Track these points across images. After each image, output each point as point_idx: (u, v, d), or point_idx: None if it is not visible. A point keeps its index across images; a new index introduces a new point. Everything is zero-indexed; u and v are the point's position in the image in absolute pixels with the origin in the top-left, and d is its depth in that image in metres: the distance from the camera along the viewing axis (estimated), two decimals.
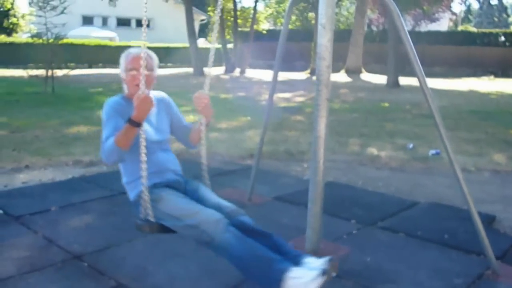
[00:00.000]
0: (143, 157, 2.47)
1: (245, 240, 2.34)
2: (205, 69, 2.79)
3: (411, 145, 7.15)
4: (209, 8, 33.21)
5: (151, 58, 2.76)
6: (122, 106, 2.64)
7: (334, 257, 2.32)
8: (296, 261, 2.32)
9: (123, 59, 2.75)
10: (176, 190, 2.67)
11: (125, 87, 2.78)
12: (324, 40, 3.16)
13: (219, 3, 2.85)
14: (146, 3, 2.47)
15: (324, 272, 2.19)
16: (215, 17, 2.74)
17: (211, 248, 2.39)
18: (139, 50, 2.59)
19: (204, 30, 41.37)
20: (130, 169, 2.67)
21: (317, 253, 3.37)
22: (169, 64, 28.74)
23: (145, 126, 2.59)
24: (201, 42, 30.12)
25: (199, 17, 34.64)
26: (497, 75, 26.35)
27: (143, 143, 2.47)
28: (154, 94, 2.86)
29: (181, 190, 2.74)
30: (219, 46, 26.88)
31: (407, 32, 3.09)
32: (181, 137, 2.98)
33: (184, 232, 2.46)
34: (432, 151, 6.69)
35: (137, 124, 2.41)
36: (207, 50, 29.27)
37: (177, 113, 2.95)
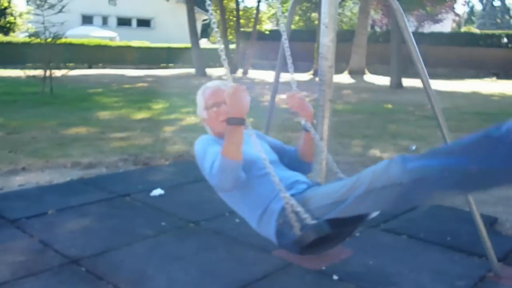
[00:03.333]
0: (270, 169, 2.03)
1: (427, 155, 1.76)
2: (289, 72, 2.61)
3: (414, 147, 7.10)
4: (212, 8, 33.22)
5: (225, 86, 2.40)
6: (215, 141, 2.28)
7: None
8: None
9: (200, 96, 2.47)
10: None
11: (209, 129, 2.48)
12: (326, 40, 3.10)
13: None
14: None
15: None
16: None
17: (409, 198, 1.80)
18: (217, 82, 2.44)
19: (206, 30, 41.37)
20: (254, 201, 2.20)
21: (318, 257, 3.33)
22: (170, 65, 28.72)
23: (249, 148, 2.22)
24: (203, 42, 30.08)
25: (201, 17, 34.61)
26: (499, 76, 26.36)
27: (261, 154, 2.06)
28: None
29: None
30: (222, 46, 26.84)
31: (411, 32, 3.04)
32: (292, 160, 2.55)
33: (359, 208, 1.88)
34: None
35: (239, 121, 2.00)
36: (209, 50, 29.40)
37: (273, 140, 2.64)
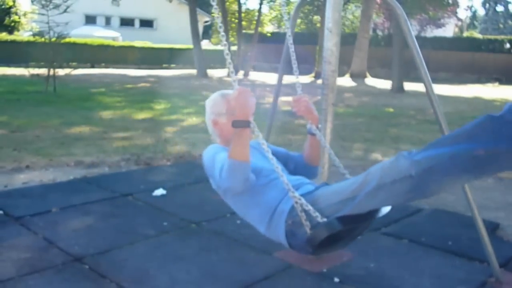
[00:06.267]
0: (278, 169, 2.03)
1: (434, 145, 1.77)
2: (294, 75, 2.63)
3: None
4: (214, 10, 33.25)
5: None
6: (223, 149, 2.26)
7: None
8: None
9: (221, 100, 2.42)
10: None
11: (216, 135, 2.46)
12: (330, 44, 3.13)
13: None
14: None
15: None
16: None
17: (420, 190, 1.78)
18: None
19: (207, 32, 41.40)
20: (263, 205, 2.18)
21: (319, 259, 3.35)
22: (172, 65, 28.76)
23: (255, 156, 2.23)
24: (205, 44, 30.10)
25: (203, 19, 34.67)
26: (501, 81, 26.32)
27: (268, 151, 2.05)
28: None
29: None
30: (223, 48, 26.88)
31: (414, 37, 3.06)
32: (298, 165, 2.55)
33: (371, 204, 1.88)
34: None
35: (245, 123, 2.03)
36: (210, 51, 29.47)
37: (277, 148, 2.57)
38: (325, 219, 1.93)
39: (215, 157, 2.19)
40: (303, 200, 1.96)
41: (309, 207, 1.95)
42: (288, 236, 2.10)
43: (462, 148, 1.66)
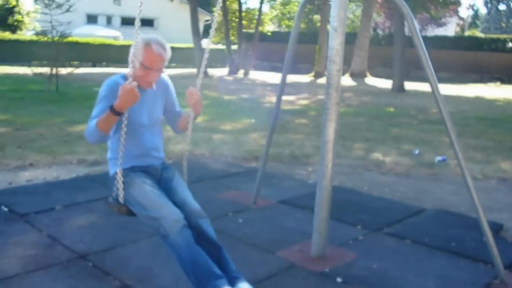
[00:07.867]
0: (122, 141, 2.59)
1: (194, 247, 2.51)
2: (201, 70, 2.91)
3: (417, 151, 7.09)
4: (214, 9, 33.23)
5: (166, 54, 2.77)
6: (116, 90, 2.57)
7: None
8: (232, 282, 2.53)
9: (142, 48, 2.67)
10: (151, 177, 2.78)
11: (130, 66, 2.71)
12: (335, 43, 3.14)
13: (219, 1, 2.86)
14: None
15: None
16: (216, 15, 2.85)
17: (165, 243, 2.56)
18: (158, 49, 2.67)
19: (208, 31, 41.39)
20: (115, 146, 2.73)
21: (324, 258, 3.36)
22: (173, 64, 28.72)
23: (138, 109, 2.71)
24: (205, 43, 30.09)
25: (203, 17, 34.66)
26: (504, 81, 26.20)
27: (124, 128, 2.57)
28: None
29: (157, 177, 2.86)
30: (223, 47, 26.87)
31: (420, 36, 3.06)
32: (170, 121, 3.10)
33: (146, 221, 2.63)
34: (439, 158, 6.64)
35: (117, 113, 2.50)
36: (211, 50, 29.34)
37: (173, 97, 3.05)
38: (122, 202, 2.66)
39: (101, 100, 2.67)
40: (120, 181, 2.61)
41: (120, 188, 2.63)
42: (110, 181, 2.80)
43: (183, 265, 2.53)
